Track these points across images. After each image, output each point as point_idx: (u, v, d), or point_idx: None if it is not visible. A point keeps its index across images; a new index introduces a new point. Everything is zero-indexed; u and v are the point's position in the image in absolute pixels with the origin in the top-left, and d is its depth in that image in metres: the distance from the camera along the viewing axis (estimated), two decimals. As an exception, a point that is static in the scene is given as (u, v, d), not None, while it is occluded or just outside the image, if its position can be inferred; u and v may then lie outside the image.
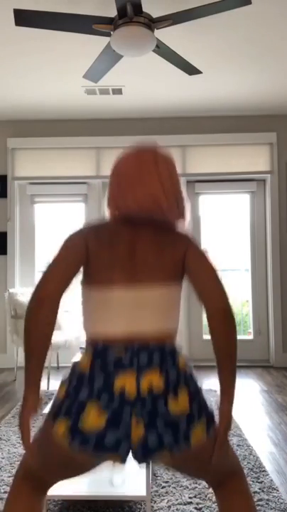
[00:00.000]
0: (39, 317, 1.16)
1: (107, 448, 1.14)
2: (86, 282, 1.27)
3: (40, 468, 1.24)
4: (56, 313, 1.19)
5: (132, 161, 1.30)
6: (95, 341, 1.22)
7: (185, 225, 1.36)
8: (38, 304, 1.16)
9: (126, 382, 1.15)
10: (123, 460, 1.16)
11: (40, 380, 1.17)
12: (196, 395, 1.21)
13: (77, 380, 1.18)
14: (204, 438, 1.19)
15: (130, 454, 1.17)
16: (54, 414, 1.19)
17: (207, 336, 5.09)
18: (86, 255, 1.24)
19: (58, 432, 1.16)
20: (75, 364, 1.23)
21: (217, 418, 1.24)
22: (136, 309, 1.22)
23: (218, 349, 1.22)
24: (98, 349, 1.20)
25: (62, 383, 1.22)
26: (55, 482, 1.28)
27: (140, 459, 1.16)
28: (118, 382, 1.15)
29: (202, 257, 1.27)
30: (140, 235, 1.26)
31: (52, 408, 1.21)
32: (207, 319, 1.24)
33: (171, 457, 1.18)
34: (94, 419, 1.13)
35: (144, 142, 1.37)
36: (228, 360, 1.22)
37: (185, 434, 1.16)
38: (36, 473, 1.25)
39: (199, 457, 1.21)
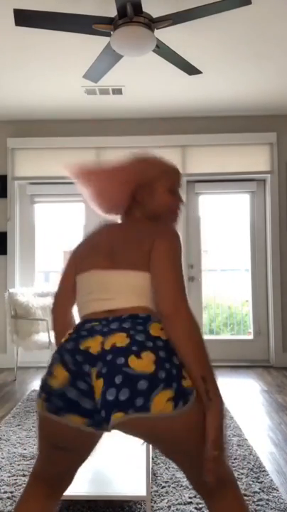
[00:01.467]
0: (53, 319, 1.47)
1: (71, 403, 1.15)
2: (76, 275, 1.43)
3: (43, 458, 1.27)
4: (63, 318, 1.44)
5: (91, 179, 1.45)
6: (80, 319, 1.34)
7: (166, 212, 1.42)
8: (50, 313, 1.50)
9: (91, 344, 1.18)
10: (91, 422, 1.15)
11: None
12: (165, 362, 1.12)
13: (55, 353, 1.26)
14: (168, 409, 1.08)
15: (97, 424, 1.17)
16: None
17: (207, 336, 5.09)
18: (75, 263, 1.43)
19: (39, 401, 1.22)
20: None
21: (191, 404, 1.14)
22: (109, 292, 1.28)
23: (181, 356, 1.14)
24: (79, 325, 1.28)
25: None
26: (62, 483, 1.29)
27: (104, 417, 1.12)
28: (83, 344, 1.19)
29: (163, 256, 1.24)
30: (116, 232, 1.38)
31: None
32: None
33: (127, 421, 1.09)
34: (58, 376, 1.18)
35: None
36: (196, 365, 1.13)
37: (145, 397, 1.08)
38: (43, 472, 1.28)
39: (166, 435, 1.11)
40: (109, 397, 1.10)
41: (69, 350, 1.19)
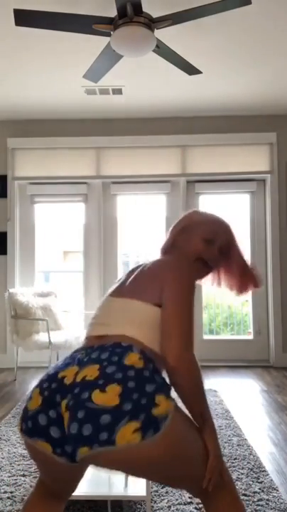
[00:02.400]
0: None
1: (40, 428, 1.16)
2: None
3: (40, 471, 1.31)
4: None
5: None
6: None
7: (193, 252, 1.46)
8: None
9: (67, 373, 1.20)
10: (60, 451, 1.15)
11: None
12: (133, 393, 1.10)
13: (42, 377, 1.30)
14: (135, 440, 1.06)
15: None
16: None
17: (207, 336, 5.09)
18: None
19: (19, 421, 1.25)
20: None
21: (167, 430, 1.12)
22: (108, 317, 1.32)
23: (183, 399, 1.22)
24: (73, 352, 1.31)
25: None
26: (61, 490, 1.33)
27: (71, 450, 1.12)
28: (61, 373, 1.21)
29: (169, 297, 1.27)
30: (141, 267, 1.40)
31: None
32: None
33: (95, 455, 1.09)
34: (34, 399, 1.21)
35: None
36: (197, 406, 1.22)
37: (108, 431, 1.06)
38: (46, 481, 1.32)
39: (141, 463, 1.10)
40: (72, 431, 1.10)
41: (49, 377, 1.22)
